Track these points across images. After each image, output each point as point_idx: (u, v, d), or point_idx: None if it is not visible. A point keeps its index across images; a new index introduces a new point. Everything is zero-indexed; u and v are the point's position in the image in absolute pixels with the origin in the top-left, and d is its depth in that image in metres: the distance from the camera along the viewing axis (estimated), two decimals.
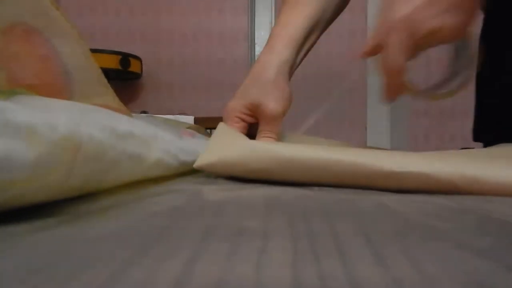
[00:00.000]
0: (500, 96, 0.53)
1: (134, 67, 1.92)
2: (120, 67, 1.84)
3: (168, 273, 0.10)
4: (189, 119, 1.27)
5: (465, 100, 1.98)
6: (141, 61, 1.99)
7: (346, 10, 0.54)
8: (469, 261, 0.12)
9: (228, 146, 0.33)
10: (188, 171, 0.35)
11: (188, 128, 0.61)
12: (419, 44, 0.38)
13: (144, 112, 1.80)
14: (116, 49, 1.87)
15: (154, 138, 0.27)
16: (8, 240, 0.14)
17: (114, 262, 0.11)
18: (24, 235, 0.14)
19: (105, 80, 0.32)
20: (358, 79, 2.00)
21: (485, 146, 0.55)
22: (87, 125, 0.19)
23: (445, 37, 0.38)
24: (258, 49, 2.07)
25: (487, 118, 0.56)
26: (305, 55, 0.49)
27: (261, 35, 2.10)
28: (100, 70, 0.31)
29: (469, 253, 0.13)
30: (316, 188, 0.29)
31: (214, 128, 0.43)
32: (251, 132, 0.44)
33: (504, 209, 0.22)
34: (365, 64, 1.93)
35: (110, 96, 0.32)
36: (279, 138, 0.44)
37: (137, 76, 2.01)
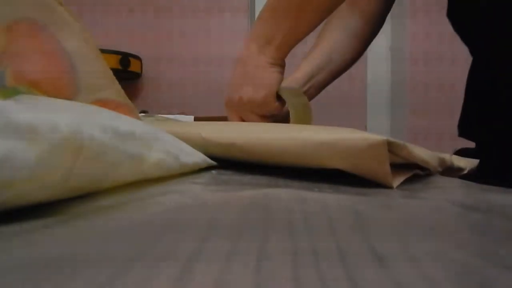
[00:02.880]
0: (487, 93, 0.54)
1: (134, 67, 1.92)
2: (120, 67, 1.84)
3: (168, 273, 0.10)
4: (189, 119, 1.27)
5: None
6: (141, 61, 1.99)
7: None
8: (469, 261, 0.12)
9: None
10: (188, 172, 0.35)
11: None
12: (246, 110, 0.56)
13: (144, 111, 1.80)
14: (116, 49, 1.87)
15: (155, 139, 0.27)
16: (8, 240, 0.14)
17: (114, 262, 0.11)
18: (24, 235, 0.14)
19: (111, 73, 0.32)
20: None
21: (470, 140, 0.57)
22: (88, 125, 0.19)
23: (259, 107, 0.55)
24: None
25: (474, 115, 0.57)
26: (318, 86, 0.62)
27: None
28: (105, 63, 0.31)
29: (469, 253, 0.13)
30: (316, 189, 0.29)
31: None
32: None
33: (506, 209, 0.22)
34: (365, 63, 1.93)
35: (115, 89, 0.32)
36: None
37: (137, 76, 2.01)
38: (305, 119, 0.56)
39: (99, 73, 0.30)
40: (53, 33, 0.27)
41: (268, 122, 0.58)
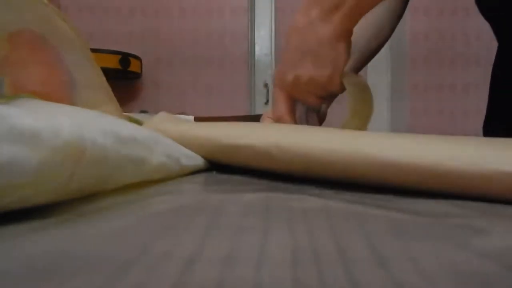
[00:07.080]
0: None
1: (134, 66, 1.92)
2: (120, 67, 1.84)
3: (168, 273, 0.11)
4: (189, 119, 1.27)
5: (464, 101, 1.99)
6: (141, 61, 1.99)
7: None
8: (470, 261, 0.12)
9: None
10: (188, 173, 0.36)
11: None
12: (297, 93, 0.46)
13: (144, 111, 1.80)
14: (116, 49, 1.87)
15: (155, 142, 0.27)
16: (8, 240, 0.14)
17: (114, 262, 0.11)
18: (24, 235, 0.14)
19: (109, 89, 0.32)
20: None
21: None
22: (90, 130, 0.19)
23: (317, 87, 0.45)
24: (258, 49, 2.07)
25: (498, 115, 0.55)
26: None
27: (261, 35, 2.09)
28: (104, 79, 0.31)
29: (470, 253, 0.13)
30: (317, 189, 0.29)
31: None
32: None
33: (509, 210, 0.22)
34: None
35: (113, 106, 0.32)
36: None
37: (137, 75, 2.01)
38: (364, 112, 0.47)
39: (98, 89, 0.30)
40: (54, 46, 0.27)
41: (326, 104, 0.52)
